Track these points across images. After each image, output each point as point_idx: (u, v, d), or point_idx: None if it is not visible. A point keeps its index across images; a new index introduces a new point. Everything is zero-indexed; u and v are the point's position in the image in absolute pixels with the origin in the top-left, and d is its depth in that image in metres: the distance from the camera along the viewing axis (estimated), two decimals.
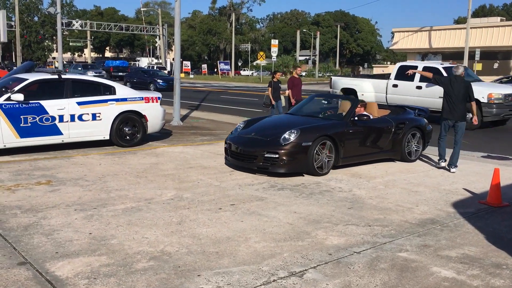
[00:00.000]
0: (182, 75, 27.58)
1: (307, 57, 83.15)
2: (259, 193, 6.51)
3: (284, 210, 5.76)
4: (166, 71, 51.08)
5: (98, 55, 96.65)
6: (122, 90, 9.95)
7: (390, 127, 8.51)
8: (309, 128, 7.70)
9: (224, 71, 67.26)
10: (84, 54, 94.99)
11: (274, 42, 50.05)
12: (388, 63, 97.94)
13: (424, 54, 45.53)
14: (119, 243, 4.55)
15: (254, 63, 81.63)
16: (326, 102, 9.70)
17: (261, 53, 53.80)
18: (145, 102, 10.06)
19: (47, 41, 72.73)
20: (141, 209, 5.66)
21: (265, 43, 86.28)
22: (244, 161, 7.68)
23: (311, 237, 4.86)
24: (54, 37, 73.18)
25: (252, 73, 76.93)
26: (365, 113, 8.70)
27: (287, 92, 12.88)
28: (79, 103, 9.16)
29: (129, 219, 5.28)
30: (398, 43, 47.84)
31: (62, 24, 24.26)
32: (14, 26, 50.53)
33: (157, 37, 70.28)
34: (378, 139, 8.41)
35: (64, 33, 65.70)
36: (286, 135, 7.42)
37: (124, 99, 9.78)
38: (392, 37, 52.71)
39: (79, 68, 43.00)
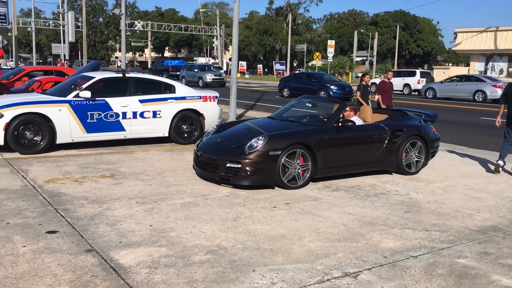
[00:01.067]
0: (238, 75, 27.64)
1: (364, 58, 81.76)
2: (313, 193, 6.53)
3: (338, 211, 5.75)
4: (222, 71, 51.88)
5: (157, 55, 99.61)
6: (181, 89, 10.26)
7: (383, 134, 7.49)
8: (279, 134, 6.80)
9: (280, 71, 67.45)
10: (145, 54, 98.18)
11: (331, 42, 49.62)
12: (450, 64, 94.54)
13: (489, 56, 43.59)
14: (177, 236, 4.73)
15: (310, 64, 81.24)
16: (315, 106, 8.66)
17: (317, 53, 53.52)
18: (203, 101, 10.33)
19: (110, 41, 75.83)
20: (198, 204, 5.83)
21: (321, 43, 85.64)
22: (207, 170, 6.86)
23: (366, 239, 4.83)
24: (117, 37, 76.24)
25: None
26: (352, 118, 7.63)
27: (376, 97, 12.23)
28: (141, 101, 9.54)
29: (187, 213, 5.46)
30: (461, 44, 46.05)
31: (125, 25, 25.24)
32: (81, 27, 53.06)
33: (215, 37, 71.48)
34: (367, 148, 7.44)
35: (127, 34, 68.30)
36: (253, 142, 6.56)
37: (183, 98, 10.07)
38: (455, 38, 50.83)
39: (195, 70, 36.85)
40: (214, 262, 4.12)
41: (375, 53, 67.36)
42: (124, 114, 9.33)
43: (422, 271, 4.08)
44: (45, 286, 3.59)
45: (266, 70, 76.67)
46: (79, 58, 58.40)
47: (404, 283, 3.85)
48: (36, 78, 12.89)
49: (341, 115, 7.52)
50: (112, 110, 9.19)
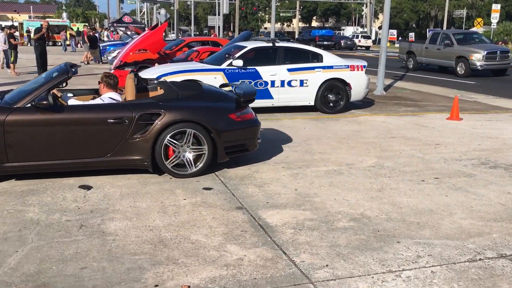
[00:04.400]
0: (388, 44, 25.87)
1: None
2: (467, 169, 6.09)
3: (496, 189, 5.30)
4: (370, 40, 50.17)
5: (305, 25, 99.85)
6: (329, 58, 10.21)
7: (125, 119, 5.26)
8: None
9: None
10: (292, 24, 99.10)
11: (495, 7, 44.54)
12: None
13: None
14: (321, 202, 4.83)
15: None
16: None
17: (479, 19, 48.57)
18: (350, 70, 10.16)
19: (260, 12, 78.04)
20: (342, 173, 5.85)
21: (484, 8, 77.34)
22: None
23: None
24: (267, 8, 78.12)
25: None
26: (107, 94, 5.80)
27: None
28: (289, 70, 9.74)
29: (331, 181, 5.53)
30: None
31: None
32: None
33: (364, 5, 69.09)
34: (97, 138, 5.26)
35: (276, 4, 69.62)
36: None
37: (330, 67, 10.03)
38: None
39: None
40: (357, 230, 4.14)
41: None
42: (273, 83, 9.64)
43: None
44: (202, 235, 3.98)
45: (418, 38, 71.91)
46: (231, 29, 61.26)
47: None
48: (194, 48, 13.93)
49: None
50: (261, 78, 9.56)
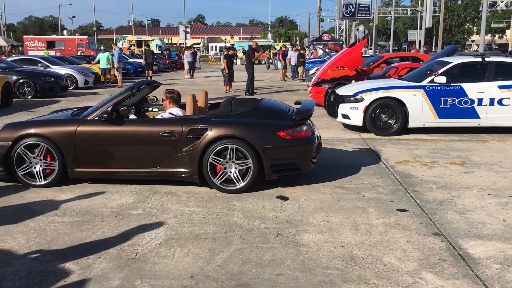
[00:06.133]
0: None
1: None
2: None
3: None
4: None
5: None
6: None
7: (175, 133, 5.55)
8: (17, 123, 6.19)
9: None
10: (505, 35, 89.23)
11: None
12: None
13: None
14: None
15: None
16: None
17: None
18: None
19: (467, 24, 72.40)
20: None
21: None
22: None
23: None
24: (475, 20, 72.07)
25: None
26: (170, 110, 6.12)
27: None
28: (501, 87, 8.81)
29: None
30: None
31: (487, 5, 23.55)
32: (438, 11, 52.60)
33: None
34: (152, 150, 5.66)
35: (487, 15, 63.51)
36: None
37: None
38: None
39: None
40: None
41: None
42: (480, 101, 8.83)
43: None
44: (395, 258, 3.86)
45: None
46: (433, 44, 58.20)
47: None
48: (393, 65, 13.62)
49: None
50: (466, 96, 8.84)
